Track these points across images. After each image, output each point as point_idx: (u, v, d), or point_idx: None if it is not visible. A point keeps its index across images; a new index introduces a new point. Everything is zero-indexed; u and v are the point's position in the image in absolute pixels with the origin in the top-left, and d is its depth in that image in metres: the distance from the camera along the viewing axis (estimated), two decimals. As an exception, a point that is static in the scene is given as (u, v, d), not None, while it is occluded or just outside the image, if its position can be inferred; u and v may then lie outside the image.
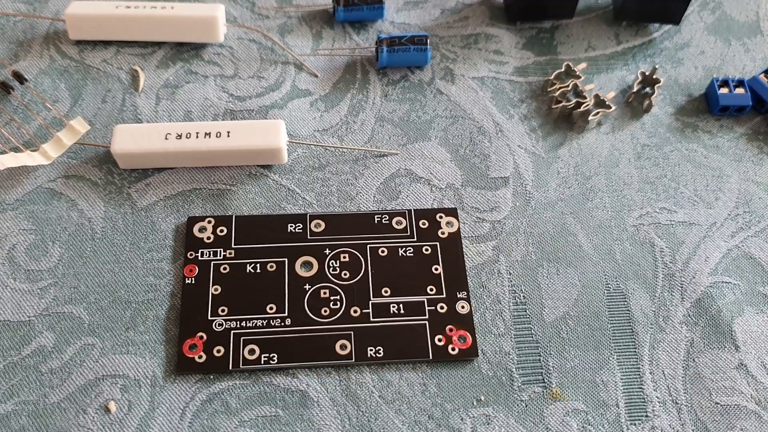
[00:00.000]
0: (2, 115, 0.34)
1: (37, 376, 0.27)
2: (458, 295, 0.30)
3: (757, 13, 0.41)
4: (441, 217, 0.32)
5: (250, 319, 0.29)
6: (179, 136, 0.31)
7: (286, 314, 0.29)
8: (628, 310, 0.30)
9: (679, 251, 0.32)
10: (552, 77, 0.37)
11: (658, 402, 0.28)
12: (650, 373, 0.29)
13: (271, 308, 0.29)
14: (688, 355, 0.29)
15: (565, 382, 0.29)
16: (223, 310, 0.29)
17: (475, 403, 0.28)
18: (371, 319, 0.29)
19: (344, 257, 0.30)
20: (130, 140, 0.31)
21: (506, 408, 0.28)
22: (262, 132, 0.32)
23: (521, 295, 0.30)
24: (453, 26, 0.39)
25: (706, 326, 0.30)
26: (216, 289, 0.29)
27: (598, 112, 0.35)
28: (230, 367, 0.28)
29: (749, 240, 0.33)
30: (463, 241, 0.31)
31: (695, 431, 0.28)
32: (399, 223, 0.32)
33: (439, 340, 0.29)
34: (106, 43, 0.37)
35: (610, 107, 0.36)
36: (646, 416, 0.28)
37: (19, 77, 0.34)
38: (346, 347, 0.28)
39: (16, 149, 0.32)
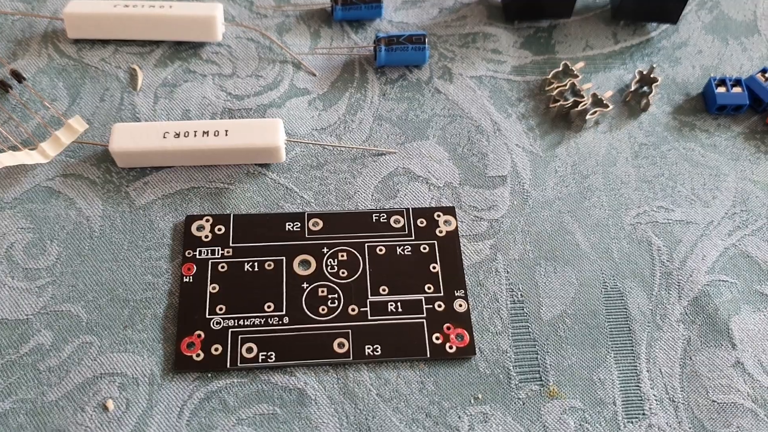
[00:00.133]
0: (0, 113, 0.34)
1: (35, 375, 0.27)
2: (456, 294, 0.30)
3: (755, 13, 0.41)
4: (439, 216, 0.32)
5: (247, 318, 0.29)
6: (177, 135, 0.31)
7: (283, 313, 0.29)
8: (625, 309, 0.30)
9: (676, 250, 0.32)
10: (550, 76, 0.37)
11: (655, 400, 0.28)
12: (647, 371, 0.29)
13: (269, 307, 0.29)
14: (685, 354, 0.29)
15: (562, 380, 0.29)
16: (221, 309, 0.29)
17: (472, 401, 0.28)
18: (369, 317, 0.29)
19: (342, 256, 0.30)
20: (128, 139, 0.31)
21: (503, 406, 0.28)
22: (260, 131, 0.32)
23: (519, 293, 0.30)
24: (451, 25, 0.39)
25: (703, 324, 0.30)
26: (214, 288, 0.29)
27: (595, 111, 0.35)
28: (228, 366, 0.28)
29: (746, 238, 0.33)
30: (460, 240, 0.32)
31: (692, 429, 0.28)
32: (397, 221, 0.32)
33: (437, 338, 0.29)
34: (105, 42, 0.37)
35: (608, 106, 0.36)
36: (643, 414, 0.28)
37: (18, 76, 0.34)
38: (343, 345, 0.28)
39: (14, 148, 0.32)
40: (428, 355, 0.28)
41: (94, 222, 0.31)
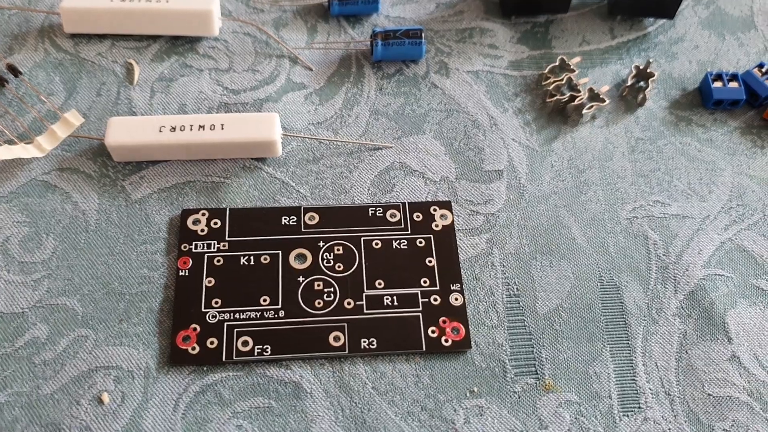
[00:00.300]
0: (-4, 108, 0.34)
1: (30, 368, 0.27)
2: (452, 287, 0.30)
3: (751, 8, 0.41)
4: (435, 210, 0.32)
5: (243, 311, 0.29)
6: (173, 129, 0.31)
7: (279, 306, 0.29)
8: (621, 303, 0.30)
9: (672, 244, 0.32)
10: (546, 71, 0.37)
11: (651, 393, 0.28)
12: (643, 364, 0.29)
13: (264, 300, 0.29)
14: (681, 347, 0.29)
15: (557, 373, 0.29)
16: (216, 302, 0.29)
17: (468, 395, 0.28)
18: (365, 311, 0.29)
19: (338, 250, 0.30)
20: (124, 133, 0.31)
21: (499, 399, 0.28)
22: (256, 125, 0.32)
23: (515, 287, 0.30)
24: (448, 20, 0.39)
25: (699, 318, 0.30)
26: (210, 281, 0.29)
27: (592, 106, 0.35)
28: (223, 359, 0.28)
29: (742, 233, 0.33)
30: (456, 234, 0.32)
31: (687, 423, 0.28)
32: (393, 215, 0.32)
33: (433, 331, 0.29)
34: (101, 37, 0.37)
35: (604, 101, 0.36)
36: (639, 408, 0.28)
37: (14, 70, 0.34)
38: (339, 339, 0.28)
39: (10, 142, 0.32)
40: (424, 349, 0.28)
41: (90, 216, 0.31)
